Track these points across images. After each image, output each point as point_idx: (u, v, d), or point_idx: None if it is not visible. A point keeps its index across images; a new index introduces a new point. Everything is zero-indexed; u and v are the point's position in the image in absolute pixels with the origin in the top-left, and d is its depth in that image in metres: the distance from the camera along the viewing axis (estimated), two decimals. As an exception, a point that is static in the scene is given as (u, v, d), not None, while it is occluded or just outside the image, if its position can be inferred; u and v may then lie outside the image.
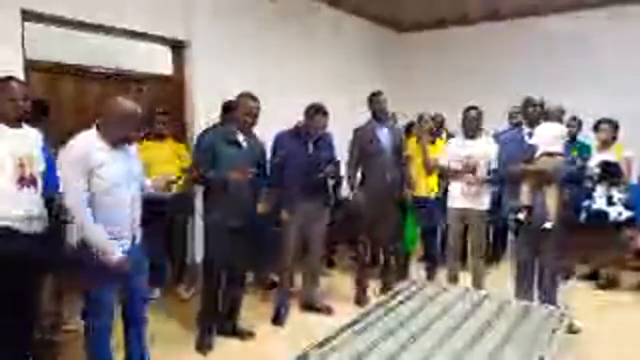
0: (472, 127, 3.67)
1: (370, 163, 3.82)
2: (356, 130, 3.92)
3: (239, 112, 3.06)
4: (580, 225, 4.21)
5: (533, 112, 3.36)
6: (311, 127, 3.48)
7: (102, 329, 2.36)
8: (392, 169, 3.82)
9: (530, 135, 3.32)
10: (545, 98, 3.52)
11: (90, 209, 2.20)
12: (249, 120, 3.05)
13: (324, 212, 3.71)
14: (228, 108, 3.69)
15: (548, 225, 3.15)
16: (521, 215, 3.25)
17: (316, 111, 3.47)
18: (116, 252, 2.24)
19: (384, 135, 3.81)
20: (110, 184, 2.23)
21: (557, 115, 4.00)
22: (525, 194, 3.25)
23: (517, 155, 3.32)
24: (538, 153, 3.22)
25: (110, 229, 2.26)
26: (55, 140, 2.66)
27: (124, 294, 2.46)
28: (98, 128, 2.26)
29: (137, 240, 2.44)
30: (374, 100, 3.85)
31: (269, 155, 3.52)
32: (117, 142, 2.29)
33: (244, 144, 3.08)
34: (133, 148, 2.45)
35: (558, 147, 3.19)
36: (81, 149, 2.19)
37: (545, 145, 3.20)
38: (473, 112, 3.68)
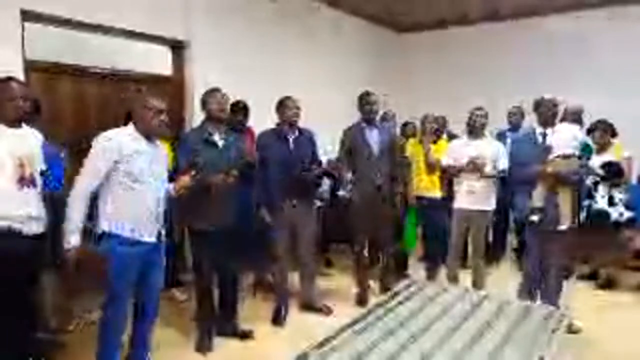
0: (479, 127, 3.66)
1: (359, 164, 3.77)
2: (345, 131, 3.87)
3: (210, 109, 3.03)
4: (581, 226, 4.22)
5: (547, 113, 3.29)
6: (285, 118, 3.47)
7: (116, 323, 2.48)
8: (382, 170, 3.77)
9: (544, 135, 3.27)
10: (560, 98, 3.45)
11: (87, 199, 2.32)
12: (222, 116, 3.04)
13: (312, 211, 3.67)
14: (235, 108, 3.72)
15: (563, 227, 3.15)
16: (535, 217, 3.22)
17: (285, 99, 3.48)
18: (71, 241, 2.27)
19: (372, 136, 3.77)
20: (139, 175, 2.39)
21: (575, 117, 3.98)
22: (539, 196, 3.21)
23: (531, 156, 3.26)
24: (553, 155, 3.18)
25: (134, 220, 2.41)
26: (55, 140, 2.69)
27: (140, 289, 2.54)
28: (134, 124, 2.47)
29: (162, 237, 2.58)
30: (364, 100, 3.79)
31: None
32: (150, 134, 2.49)
33: (220, 142, 3.05)
34: (164, 151, 2.65)
35: (573, 149, 3.17)
36: (115, 136, 2.38)
37: (561, 147, 3.17)
38: (480, 112, 3.66)
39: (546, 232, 3.23)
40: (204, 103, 3.06)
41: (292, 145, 3.49)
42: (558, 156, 3.17)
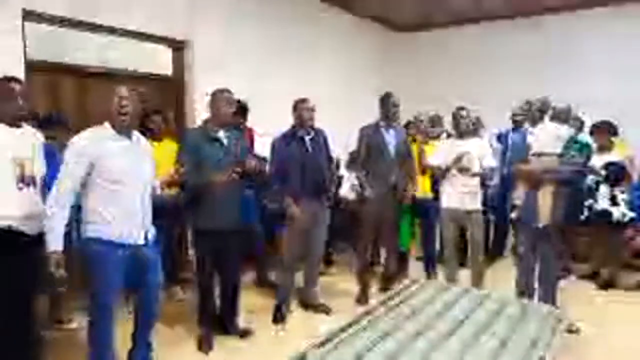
0: (462, 127, 3.70)
1: (375, 164, 3.81)
2: (362, 130, 3.91)
3: (216, 108, 3.04)
4: (581, 225, 4.23)
5: (534, 112, 3.41)
6: (301, 120, 3.50)
7: (104, 326, 2.42)
8: (397, 170, 3.82)
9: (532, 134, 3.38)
10: (550, 98, 3.55)
11: (69, 203, 2.27)
12: (227, 117, 3.05)
13: (326, 212, 3.71)
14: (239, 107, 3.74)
15: (539, 225, 3.20)
16: (512, 215, 3.37)
17: (300, 102, 3.52)
18: (51, 245, 2.23)
19: (390, 136, 3.82)
20: (118, 174, 2.32)
21: (563, 116, 4.01)
22: (519, 194, 3.34)
23: (520, 155, 3.39)
24: (530, 153, 3.29)
25: (119, 222, 2.33)
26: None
27: (139, 290, 2.52)
28: (109, 121, 2.38)
29: (150, 237, 2.50)
30: (387, 101, 3.83)
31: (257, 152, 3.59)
32: (122, 127, 2.37)
33: (225, 140, 3.06)
34: (148, 147, 2.58)
35: (553, 148, 3.21)
36: (87, 139, 2.30)
37: (538, 146, 3.25)
38: (463, 112, 3.71)
39: (529, 229, 3.31)
40: (211, 102, 3.08)
41: (309, 145, 3.52)
42: (533, 154, 3.25)
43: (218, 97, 3.06)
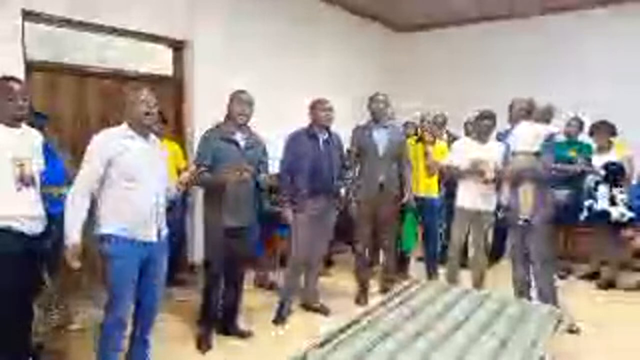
0: (486, 133, 3.71)
1: (364, 163, 3.86)
2: (355, 130, 3.97)
3: (233, 110, 3.08)
4: (581, 225, 4.23)
5: (518, 112, 3.47)
6: (317, 120, 3.54)
7: (118, 324, 2.44)
8: (386, 171, 3.83)
9: None
10: (537, 98, 3.58)
11: (87, 198, 2.33)
12: (243, 119, 3.08)
13: (333, 212, 3.72)
14: None
15: (520, 221, 3.27)
16: (499, 214, 3.47)
17: (317, 102, 3.56)
18: (68, 237, 2.29)
19: (380, 136, 3.83)
20: (135, 173, 2.36)
21: (544, 116, 4.03)
22: (505, 194, 3.42)
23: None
24: (509, 153, 3.39)
25: (132, 220, 2.37)
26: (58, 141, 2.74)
27: (140, 284, 2.52)
28: (127, 121, 2.43)
29: (163, 237, 2.53)
30: (372, 101, 3.88)
31: (273, 153, 3.57)
32: (142, 128, 2.43)
33: (242, 142, 3.09)
34: (162, 147, 2.64)
35: (530, 147, 3.25)
36: (104, 137, 2.36)
37: (519, 146, 3.31)
38: (489, 122, 3.69)
39: (515, 227, 3.36)
40: (228, 104, 3.12)
41: (322, 144, 3.55)
42: (517, 154, 3.31)
43: (234, 98, 3.10)
